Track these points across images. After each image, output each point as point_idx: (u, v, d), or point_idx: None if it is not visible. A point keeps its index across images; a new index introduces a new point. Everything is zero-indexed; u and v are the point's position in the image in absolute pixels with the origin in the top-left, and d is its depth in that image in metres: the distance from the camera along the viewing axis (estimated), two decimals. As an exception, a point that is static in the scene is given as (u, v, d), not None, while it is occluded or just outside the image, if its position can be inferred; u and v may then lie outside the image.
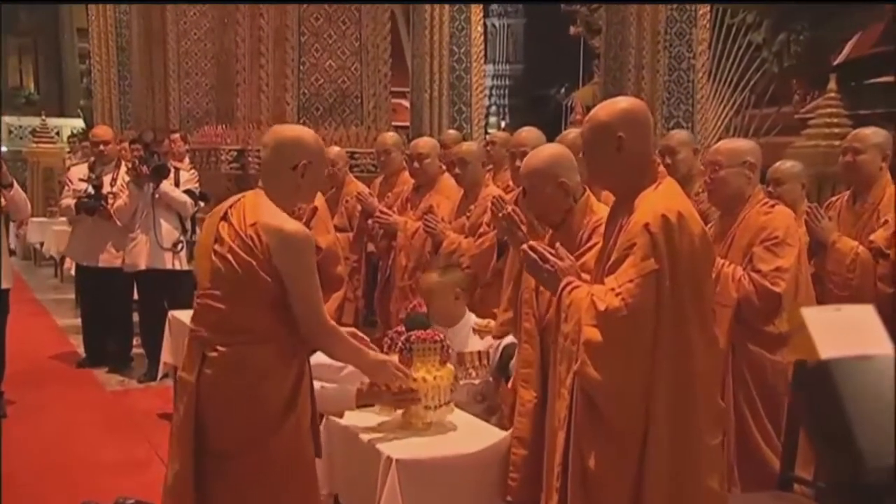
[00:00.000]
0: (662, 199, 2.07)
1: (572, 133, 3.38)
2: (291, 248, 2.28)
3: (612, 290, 2.01)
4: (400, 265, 4.40)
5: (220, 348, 2.27)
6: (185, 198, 5.41)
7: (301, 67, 6.13)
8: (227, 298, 2.29)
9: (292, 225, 2.32)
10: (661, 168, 2.23)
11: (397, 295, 4.40)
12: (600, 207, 2.64)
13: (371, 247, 4.97)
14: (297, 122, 6.05)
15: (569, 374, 2.09)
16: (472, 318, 3.31)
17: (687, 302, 2.00)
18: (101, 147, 5.80)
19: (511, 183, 4.16)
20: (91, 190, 5.70)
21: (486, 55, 10.89)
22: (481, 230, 3.97)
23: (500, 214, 2.94)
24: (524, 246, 2.29)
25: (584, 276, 2.24)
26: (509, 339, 3.11)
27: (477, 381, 3.11)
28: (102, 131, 6.06)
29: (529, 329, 2.61)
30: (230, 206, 2.37)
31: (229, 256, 2.28)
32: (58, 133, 14.77)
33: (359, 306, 5.10)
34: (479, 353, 3.17)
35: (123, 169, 5.75)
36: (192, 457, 2.28)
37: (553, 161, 2.60)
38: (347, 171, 5.21)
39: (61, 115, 16.71)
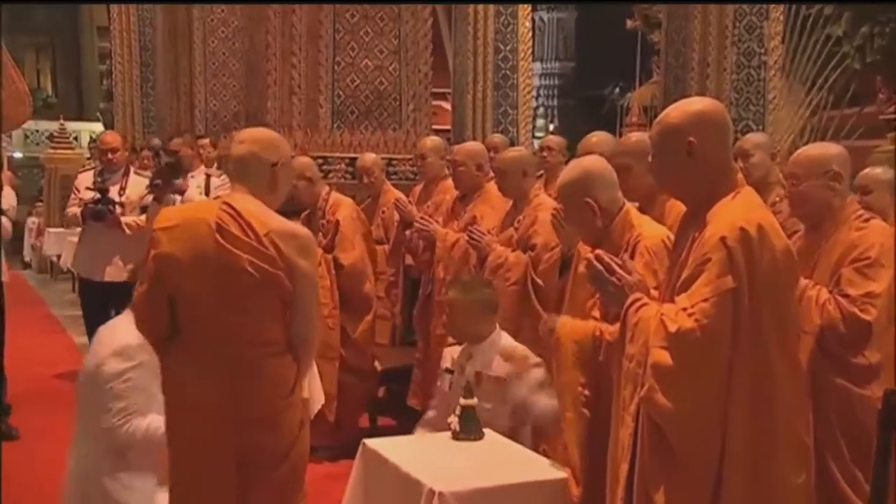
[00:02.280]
0: (741, 209, 2.05)
1: (635, 136, 3.36)
2: (306, 250, 2.46)
3: (684, 309, 1.99)
4: (438, 278, 4.42)
5: (256, 363, 2.42)
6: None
7: (336, 67, 6.20)
8: (249, 310, 2.41)
9: (299, 227, 2.54)
10: (740, 176, 2.20)
11: (435, 310, 4.42)
12: (643, 221, 2.66)
13: (409, 259, 5.00)
14: (331, 126, 6.13)
15: (634, 399, 2.08)
16: (502, 339, 3.30)
17: (767, 324, 1.97)
18: (110, 155, 5.84)
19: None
20: (97, 195, 5.74)
21: (533, 52, 10.91)
22: (532, 242, 3.96)
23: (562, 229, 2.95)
24: (590, 254, 2.30)
25: (653, 292, 2.23)
26: (538, 368, 3.10)
27: (488, 407, 3.08)
28: (111, 137, 6.12)
29: (571, 419, 2.60)
30: (215, 216, 2.42)
31: (250, 269, 2.37)
32: (76, 138, 15.18)
33: (396, 324, 5.12)
34: (499, 379, 3.17)
35: (133, 178, 5.85)
36: (235, 474, 2.42)
37: (580, 178, 2.65)
38: (384, 179, 5.25)
39: (80, 118, 17.13)
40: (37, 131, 16.98)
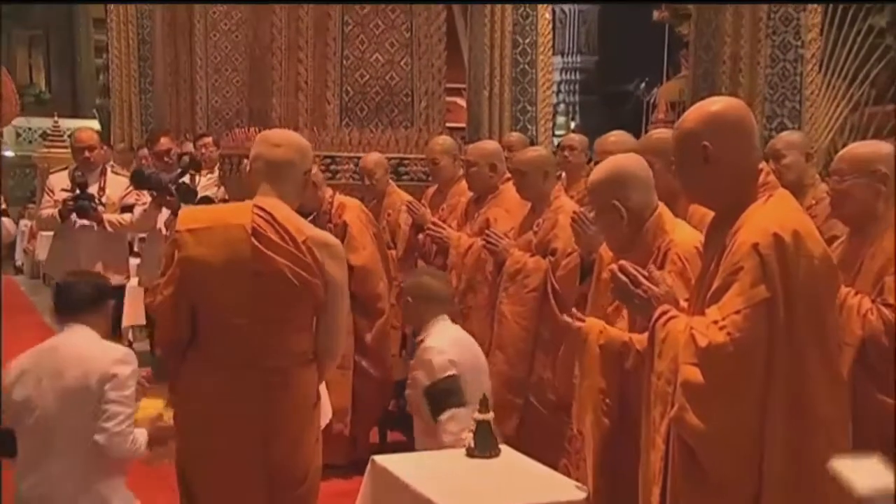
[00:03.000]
0: (774, 214, 2.03)
1: (658, 132, 3.35)
2: (339, 259, 2.61)
3: (716, 322, 1.98)
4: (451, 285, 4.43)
5: (288, 371, 2.53)
6: None
7: (344, 62, 6.22)
8: (289, 320, 2.53)
9: (331, 236, 2.73)
10: (772, 177, 2.17)
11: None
12: (676, 226, 2.64)
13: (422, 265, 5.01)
14: (339, 124, 6.14)
15: (664, 419, 2.07)
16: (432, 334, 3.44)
17: (805, 336, 1.96)
18: (87, 153, 5.89)
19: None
20: (76, 192, 5.78)
21: (553, 46, 10.91)
22: (553, 247, 3.96)
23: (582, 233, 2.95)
24: (612, 266, 2.29)
25: (682, 304, 2.21)
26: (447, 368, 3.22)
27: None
28: (87, 135, 6.16)
29: (582, 417, 2.61)
30: (250, 220, 2.51)
31: (289, 276, 2.47)
32: (71, 136, 15.25)
33: (407, 333, 5.13)
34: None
35: (111, 178, 5.92)
36: (266, 491, 2.54)
37: (609, 178, 2.64)
38: (389, 180, 5.26)
39: (75, 115, 17.21)
40: (29, 129, 17.06)
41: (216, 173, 6.51)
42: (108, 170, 6.18)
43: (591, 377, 2.62)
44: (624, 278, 2.22)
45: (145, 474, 3.55)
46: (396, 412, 5.05)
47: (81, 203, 5.76)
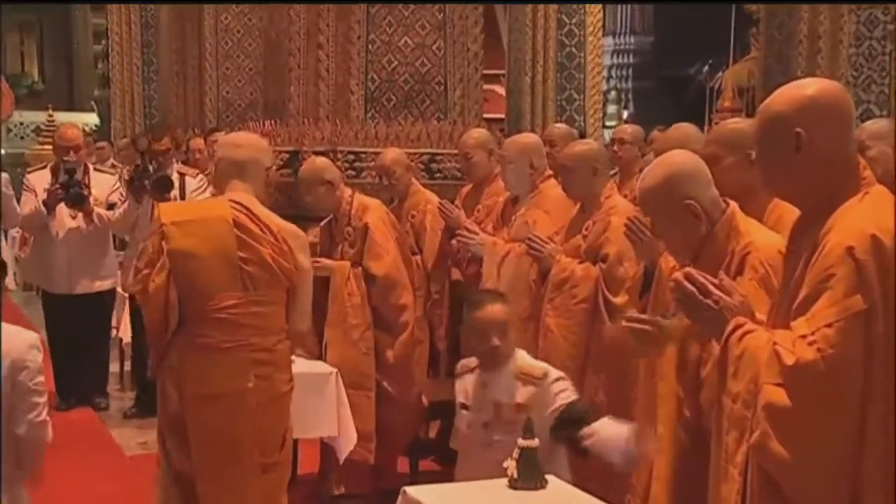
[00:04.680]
0: (871, 213, 1.99)
1: (731, 123, 3.33)
2: (305, 249, 3.30)
3: (803, 337, 1.94)
4: (484, 297, 4.44)
5: (275, 348, 3.17)
6: None
7: (370, 47, 6.26)
8: (272, 301, 3.17)
9: (297, 228, 3.34)
10: (869, 172, 2.14)
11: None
12: (752, 227, 2.60)
13: (457, 273, 5.03)
14: (364, 115, 6.19)
15: (740, 448, 2.04)
16: (518, 360, 3.33)
17: (907, 352, 1.91)
18: (73, 153, 6.13)
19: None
20: (64, 178, 5.98)
21: (604, 26, 10.90)
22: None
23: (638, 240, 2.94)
24: (676, 275, 2.25)
25: (759, 316, 2.18)
26: (560, 381, 3.16)
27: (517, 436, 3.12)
28: (73, 133, 6.36)
29: (662, 434, 2.57)
30: (230, 214, 3.12)
31: (271, 262, 3.12)
32: (55, 131, 15.45)
33: (439, 350, 5.14)
34: (519, 405, 3.19)
35: (94, 175, 6.18)
36: (262, 471, 3.16)
37: (674, 177, 2.59)
38: (411, 178, 5.28)
39: (71, 108, 17.46)
40: (21, 123, 17.30)
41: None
42: (91, 167, 6.37)
43: (667, 381, 2.58)
44: (691, 287, 2.18)
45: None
46: (435, 439, 5.07)
47: (76, 192, 5.96)
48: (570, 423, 3.10)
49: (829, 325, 1.92)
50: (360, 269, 4.54)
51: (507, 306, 3.46)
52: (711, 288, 2.17)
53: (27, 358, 2.90)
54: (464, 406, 3.40)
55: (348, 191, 4.71)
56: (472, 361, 3.44)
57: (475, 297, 3.58)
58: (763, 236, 2.59)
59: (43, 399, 2.94)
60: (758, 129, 2.16)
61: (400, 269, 4.59)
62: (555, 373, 3.29)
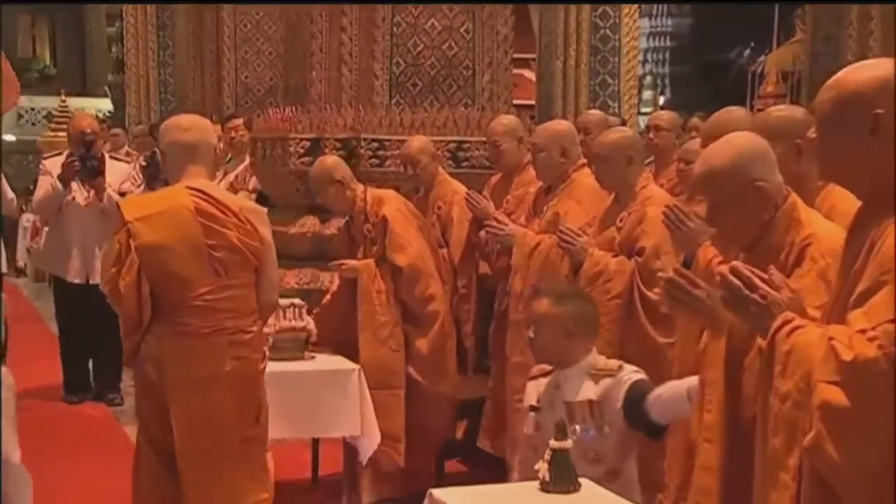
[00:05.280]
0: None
1: (777, 111, 3.28)
2: (266, 223, 3.48)
3: (862, 332, 1.90)
4: (515, 292, 4.44)
5: (250, 329, 3.42)
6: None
7: (395, 30, 6.26)
8: (244, 284, 3.39)
9: (257, 205, 3.78)
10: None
11: (511, 331, 4.44)
12: (813, 218, 2.56)
13: (484, 267, 5.04)
14: (389, 101, 6.20)
15: (792, 451, 2.02)
16: (592, 362, 3.31)
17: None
18: (90, 132, 6.26)
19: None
20: (82, 150, 6.09)
21: (640, 7, 10.84)
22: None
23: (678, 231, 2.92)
24: (722, 268, 2.23)
25: (812, 311, 2.16)
26: (634, 373, 3.12)
27: (591, 433, 3.12)
28: (89, 121, 6.49)
29: (712, 422, 2.54)
30: (191, 202, 3.31)
31: (240, 245, 3.33)
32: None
33: (468, 346, 5.16)
34: (591, 402, 3.19)
35: (109, 163, 6.32)
36: (241, 443, 3.41)
37: (744, 157, 2.52)
38: (437, 168, 5.29)
39: (84, 93, 17.61)
40: (32, 109, 17.43)
41: (247, 161, 6.63)
42: (107, 155, 6.47)
43: (716, 368, 2.53)
44: (737, 282, 2.15)
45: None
46: (462, 439, 5.09)
47: (91, 164, 6.05)
48: (637, 399, 3.08)
49: (891, 321, 1.88)
50: (385, 265, 4.56)
51: (593, 308, 3.42)
52: (758, 282, 2.14)
53: None
54: (533, 408, 3.40)
55: (360, 187, 4.72)
56: (547, 366, 3.43)
57: (558, 289, 3.56)
58: (825, 227, 2.53)
59: None
60: (827, 109, 2.10)
61: (425, 258, 4.61)
62: (631, 366, 3.24)
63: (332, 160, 4.90)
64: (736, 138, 2.63)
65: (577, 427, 3.11)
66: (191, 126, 3.50)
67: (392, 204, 4.63)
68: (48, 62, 19.15)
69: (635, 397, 3.08)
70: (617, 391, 3.16)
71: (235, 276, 3.36)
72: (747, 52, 17.75)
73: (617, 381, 3.18)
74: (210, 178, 3.55)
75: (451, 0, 6.28)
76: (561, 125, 4.88)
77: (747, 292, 2.15)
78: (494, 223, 4.56)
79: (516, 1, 9.90)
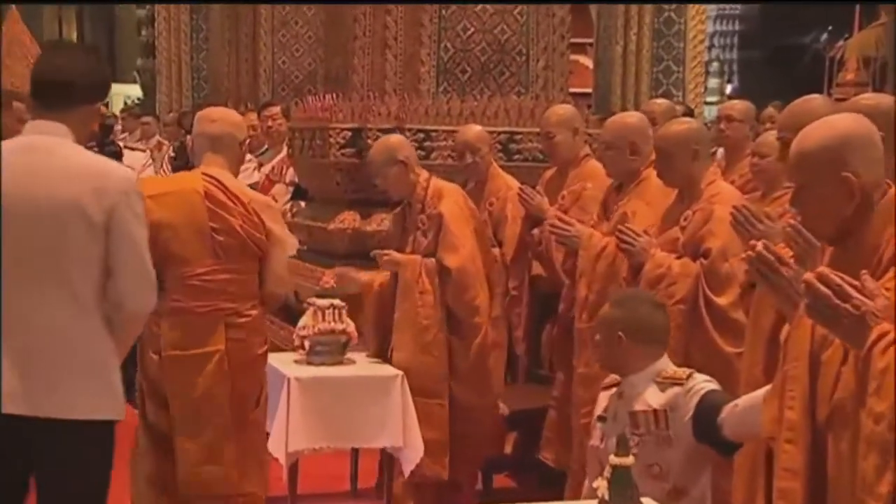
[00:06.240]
0: None
1: (865, 99, 3.19)
2: (278, 218, 3.88)
3: None
4: (580, 298, 4.41)
5: (248, 313, 3.71)
6: None
7: (443, 13, 6.27)
8: (244, 270, 3.70)
9: (268, 198, 4.32)
10: None
11: (576, 341, 4.42)
12: None
13: (537, 268, 5.02)
14: (436, 89, 6.20)
15: (883, 476, 2.01)
16: (659, 369, 3.30)
17: None
18: (105, 110, 6.50)
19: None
20: (100, 135, 6.38)
21: (707, -12, 10.77)
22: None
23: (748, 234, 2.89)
24: (808, 276, 2.16)
25: None
26: (706, 382, 3.10)
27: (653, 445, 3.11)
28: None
29: (795, 421, 2.51)
30: (202, 186, 3.65)
31: (241, 232, 3.65)
32: (108, 104, 15.78)
33: (518, 353, 5.14)
34: (656, 411, 3.17)
35: (125, 154, 6.66)
36: (232, 424, 3.66)
37: (841, 142, 2.42)
38: (492, 159, 5.28)
39: (113, 79, 17.77)
40: (59, 96, 17.67)
41: (284, 151, 6.68)
42: (122, 144, 6.63)
43: (801, 361, 2.43)
44: (825, 290, 2.10)
45: None
46: (511, 453, 5.08)
47: (109, 149, 6.28)
48: (710, 411, 3.07)
49: None
50: (432, 261, 4.53)
51: (663, 316, 3.44)
52: (850, 290, 2.09)
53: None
54: (601, 418, 3.40)
55: (424, 173, 4.68)
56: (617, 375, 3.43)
57: (623, 293, 3.63)
58: None
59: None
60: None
61: (476, 264, 4.57)
62: (702, 376, 3.23)
63: (396, 138, 4.89)
64: (838, 121, 2.51)
65: (636, 434, 3.10)
66: (219, 118, 3.87)
67: (451, 199, 4.60)
68: (75, 45, 19.37)
69: (708, 409, 3.05)
70: (686, 401, 3.14)
71: (235, 261, 3.68)
72: (824, 35, 17.55)
73: (686, 390, 3.16)
74: (232, 171, 3.80)
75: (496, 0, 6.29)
76: (630, 118, 4.77)
77: (838, 302, 2.09)
78: (559, 223, 4.49)
79: (588, 0, 9.91)
